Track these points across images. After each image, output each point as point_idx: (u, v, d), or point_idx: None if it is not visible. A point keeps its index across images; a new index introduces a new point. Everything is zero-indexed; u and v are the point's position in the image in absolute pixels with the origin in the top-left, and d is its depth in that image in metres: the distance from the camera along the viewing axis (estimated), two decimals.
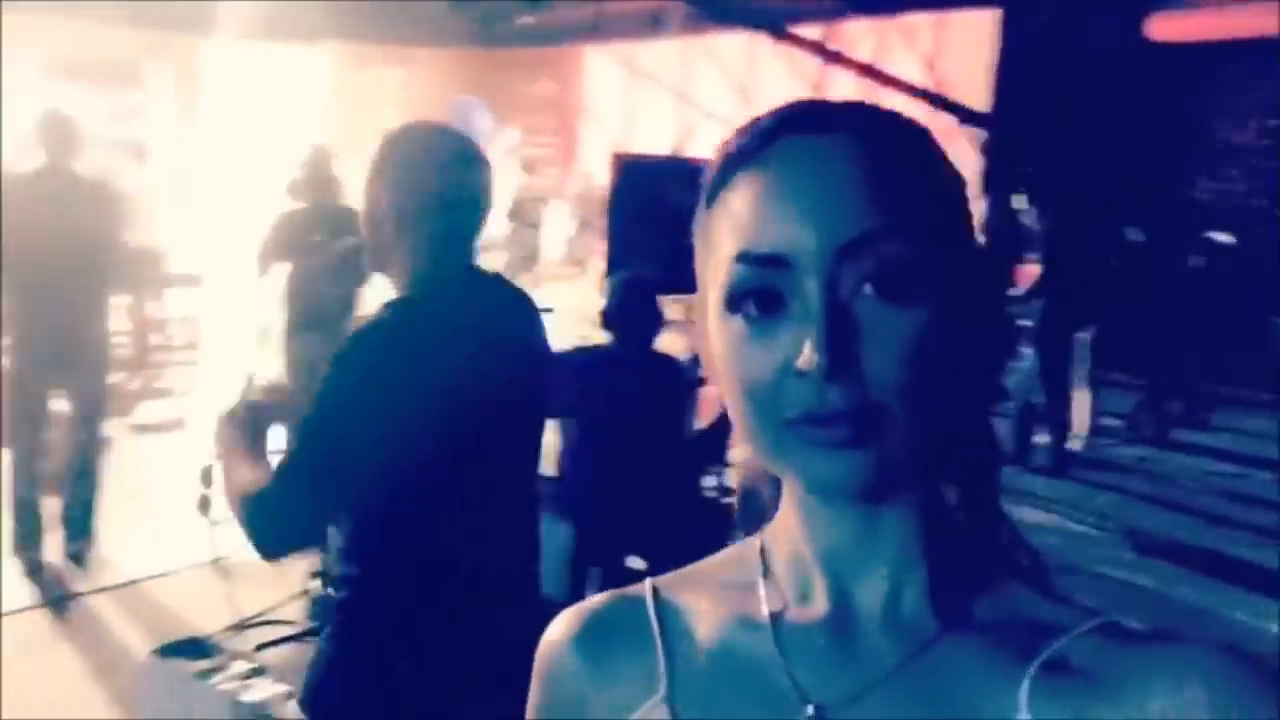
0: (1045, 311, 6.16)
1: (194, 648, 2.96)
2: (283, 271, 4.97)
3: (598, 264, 6.03)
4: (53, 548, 4.42)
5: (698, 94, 10.96)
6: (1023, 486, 6.03)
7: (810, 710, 0.58)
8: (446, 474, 1.58)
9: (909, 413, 0.55)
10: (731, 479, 0.75)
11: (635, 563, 3.22)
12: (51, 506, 4.45)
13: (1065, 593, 0.62)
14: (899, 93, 8.53)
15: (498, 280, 1.82)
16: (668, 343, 3.37)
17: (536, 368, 1.82)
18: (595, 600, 0.69)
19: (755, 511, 0.70)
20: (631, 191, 4.57)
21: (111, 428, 4.82)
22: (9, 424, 4.33)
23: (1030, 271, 6.31)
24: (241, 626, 3.33)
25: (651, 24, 11.25)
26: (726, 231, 0.58)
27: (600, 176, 8.23)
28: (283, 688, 2.69)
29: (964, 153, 9.08)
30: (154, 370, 7.66)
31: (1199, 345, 7.01)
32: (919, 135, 0.61)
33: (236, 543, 1.62)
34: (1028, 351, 6.33)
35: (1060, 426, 6.40)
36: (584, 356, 3.23)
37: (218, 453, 1.67)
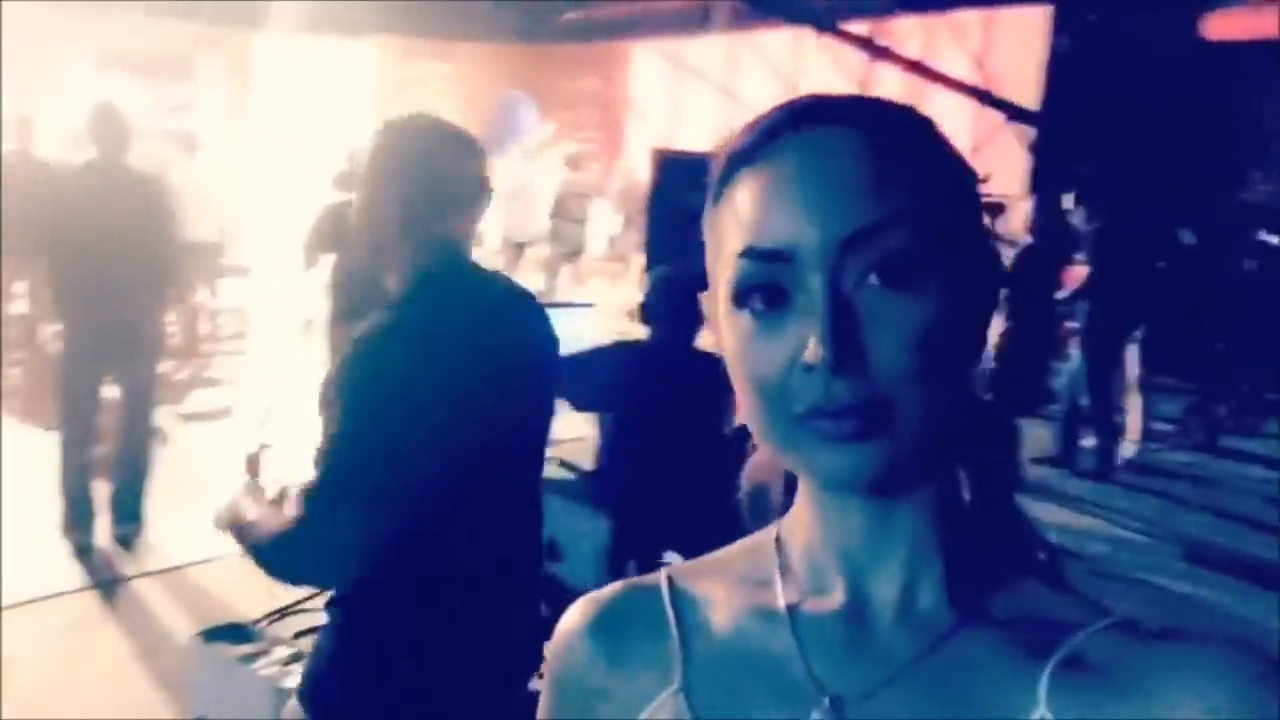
0: (1092, 313, 6.08)
1: (236, 633, 3.00)
2: (328, 263, 5.03)
3: (640, 260, 6.03)
4: (102, 532, 4.51)
5: (743, 90, 10.93)
6: (1069, 491, 5.95)
7: (827, 702, 0.58)
8: (449, 472, 1.54)
9: (917, 404, 0.55)
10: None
11: (672, 557, 3.22)
12: (102, 491, 4.54)
13: (1082, 591, 0.61)
14: (947, 89, 8.45)
15: (498, 277, 1.79)
16: (707, 338, 3.36)
17: (542, 365, 1.78)
18: (610, 589, 0.68)
19: (762, 510, 0.70)
20: (671, 187, 4.58)
21: (161, 416, 4.90)
22: (61, 410, 4.43)
23: (1078, 273, 6.22)
24: (282, 613, 3.37)
25: (698, 20, 11.23)
26: (731, 228, 0.59)
27: (643, 173, 8.25)
28: None
29: (1012, 151, 8.98)
30: (203, 360, 7.77)
31: (1250, 350, 6.88)
32: (921, 125, 0.60)
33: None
34: (1075, 353, 6.26)
35: (1107, 430, 6.31)
36: (622, 352, 3.23)
37: (226, 523, 1.63)
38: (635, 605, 0.67)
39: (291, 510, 1.50)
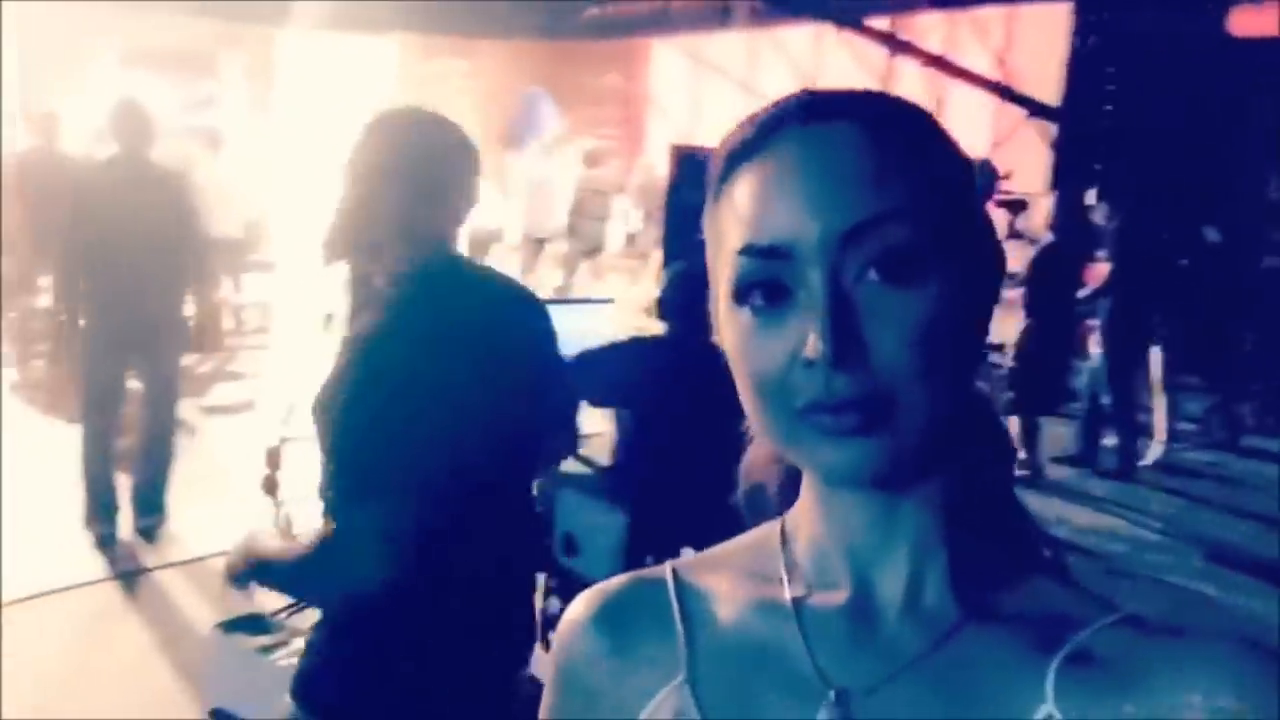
0: (1113, 311, 6.03)
1: (256, 624, 3.02)
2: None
3: (658, 255, 6.03)
4: (125, 523, 4.55)
5: (764, 87, 10.90)
6: (1090, 490, 5.92)
7: (833, 696, 0.58)
8: (445, 469, 1.52)
9: (918, 398, 0.55)
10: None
11: (689, 553, 3.21)
12: (124, 483, 4.59)
13: (1088, 587, 0.61)
14: (969, 85, 8.41)
15: (492, 274, 1.78)
16: None
17: (535, 360, 1.75)
18: (615, 581, 0.69)
19: (760, 508, 0.70)
20: (690, 183, 4.57)
21: (184, 409, 4.95)
22: (84, 402, 4.47)
23: (1100, 270, 6.18)
24: (301, 605, 3.39)
25: (719, 17, 11.22)
26: (731, 225, 0.59)
27: (663, 169, 8.25)
28: None
29: (1034, 147, 8.93)
30: (226, 353, 7.83)
31: (1273, 349, 6.81)
32: (920, 119, 0.60)
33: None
34: (1096, 351, 6.21)
35: (1128, 429, 6.26)
36: (640, 347, 3.24)
37: (244, 555, 1.65)
38: (641, 597, 0.67)
39: (314, 528, 1.49)
